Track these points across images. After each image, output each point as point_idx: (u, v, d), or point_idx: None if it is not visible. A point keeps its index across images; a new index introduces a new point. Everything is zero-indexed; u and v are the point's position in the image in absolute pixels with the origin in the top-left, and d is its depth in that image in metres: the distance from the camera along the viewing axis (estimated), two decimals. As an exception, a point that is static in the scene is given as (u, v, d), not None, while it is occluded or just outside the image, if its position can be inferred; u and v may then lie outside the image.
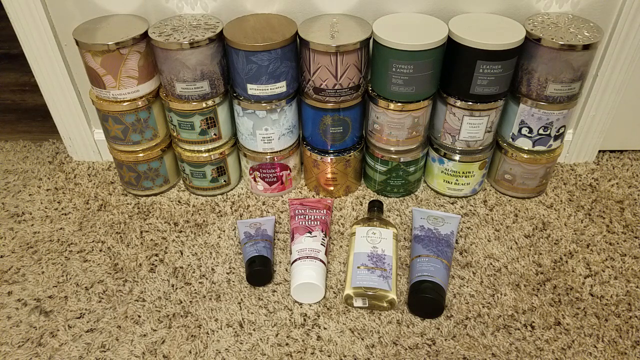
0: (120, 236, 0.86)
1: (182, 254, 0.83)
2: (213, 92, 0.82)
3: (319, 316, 0.73)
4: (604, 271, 0.79)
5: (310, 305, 0.75)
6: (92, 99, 0.84)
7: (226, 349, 0.69)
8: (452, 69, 0.80)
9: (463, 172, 0.89)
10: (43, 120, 1.15)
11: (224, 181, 0.93)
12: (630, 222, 0.88)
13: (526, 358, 0.68)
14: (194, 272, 0.80)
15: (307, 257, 0.76)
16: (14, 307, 0.75)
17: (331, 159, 0.87)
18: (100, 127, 0.97)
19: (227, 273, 0.80)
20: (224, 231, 0.87)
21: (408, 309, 0.73)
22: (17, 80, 1.29)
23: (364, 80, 0.81)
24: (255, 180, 0.92)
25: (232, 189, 0.95)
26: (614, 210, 0.90)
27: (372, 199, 0.92)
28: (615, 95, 0.91)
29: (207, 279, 0.79)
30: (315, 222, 0.82)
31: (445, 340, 0.70)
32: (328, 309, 0.74)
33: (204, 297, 0.76)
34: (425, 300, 0.71)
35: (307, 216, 0.83)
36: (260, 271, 0.76)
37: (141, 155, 0.89)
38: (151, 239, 0.86)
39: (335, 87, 0.79)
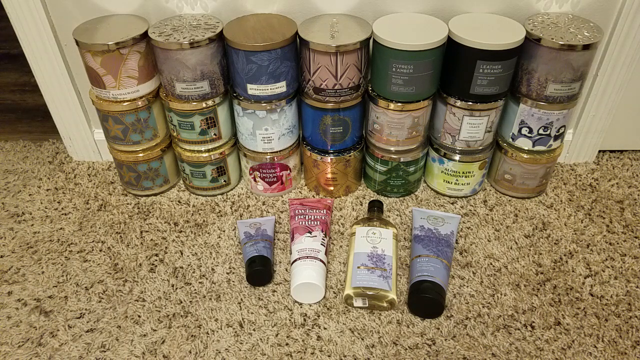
0: (120, 236, 0.86)
1: (182, 254, 0.83)
2: (213, 92, 0.82)
3: (319, 316, 0.73)
4: (604, 271, 0.79)
5: (310, 305, 0.75)
6: (92, 99, 0.84)
7: (226, 349, 0.69)
8: (452, 69, 0.80)
9: (463, 172, 0.89)
10: (43, 120, 1.15)
11: (224, 181, 0.93)
12: (630, 222, 0.88)
13: (526, 358, 0.68)
14: (194, 272, 0.80)
15: (307, 257, 0.76)
16: (14, 307, 0.75)
17: (331, 159, 0.87)
18: (100, 127, 0.97)
19: (227, 273, 0.80)
20: (224, 231, 0.87)
21: (408, 309, 0.73)
22: (17, 80, 1.29)
23: (364, 80, 0.81)
24: (255, 180, 0.92)
25: (232, 189, 0.95)
26: (614, 210, 0.90)
27: (372, 199, 0.92)
28: (615, 95, 0.91)
29: (207, 279, 0.79)
30: (315, 222, 0.82)
31: (445, 340, 0.70)
32: (328, 309, 0.74)
33: (204, 297, 0.76)
34: (425, 300, 0.71)
35: (307, 216, 0.83)
36: (260, 271, 0.76)
37: (141, 155, 0.89)
38: (151, 239, 0.86)
39: (335, 87, 0.79)
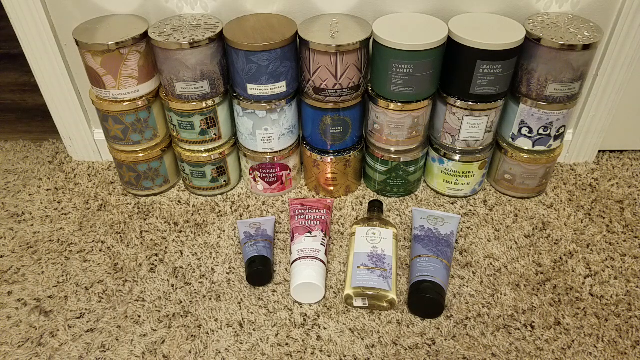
0: (120, 236, 0.86)
1: (182, 254, 0.83)
2: (213, 92, 0.82)
3: (319, 316, 0.73)
4: (604, 271, 0.79)
5: (310, 305, 0.75)
6: (92, 99, 0.84)
7: (226, 349, 0.69)
8: (452, 69, 0.80)
9: (463, 172, 0.89)
10: (43, 120, 1.15)
11: (224, 181, 0.93)
12: (630, 222, 0.88)
13: (526, 358, 0.68)
14: (194, 272, 0.80)
15: (307, 257, 0.76)
16: (14, 307, 0.75)
17: (331, 159, 0.87)
18: (100, 127, 0.97)
19: (227, 273, 0.80)
20: (224, 231, 0.87)
21: (408, 309, 0.73)
22: (17, 80, 1.29)
23: (364, 80, 0.81)
24: (255, 180, 0.92)
25: (232, 189, 0.95)
26: (614, 210, 0.90)
27: (372, 199, 0.92)
28: (615, 95, 0.91)
29: (207, 279, 0.79)
30: (315, 222, 0.82)
31: (445, 340, 0.70)
32: (328, 309, 0.74)
33: (204, 297, 0.76)
34: (425, 300, 0.71)
35: (307, 216, 0.83)
36: (260, 271, 0.76)
37: (141, 155, 0.89)
38: (151, 239, 0.86)
39: (335, 87, 0.79)
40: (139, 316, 0.74)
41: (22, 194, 0.96)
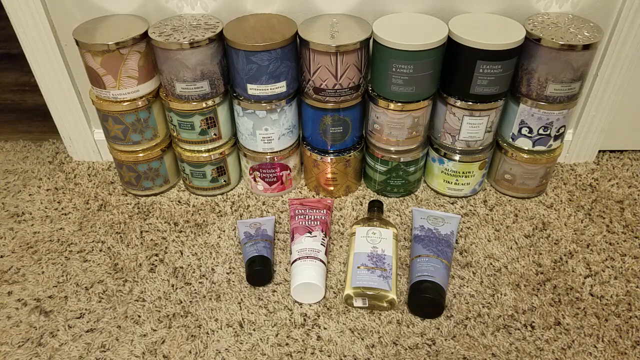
0: (120, 236, 0.86)
1: (182, 254, 0.83)
2: (213, 92, 0.82)
3: (319, 316, 0.73)
4: (604, 271, 0.79)
5: (310, 305, 0.75)
6: (92, 99, 0.84)
7: (226, 349, 0.69)
8: (452, 69, 0.80)
9: (463, 172, 0.89)
10: (43, 120, 1.15)
11: (224, 181, 0.93)
12: (630, 222, 0.88)
13: (526, 358, 0.68)
14: (194, 272, 0.80)
15: (307, 257, 0.76)
16: (14, 307, 0.75)
17: (331, 159, 0.87)
18: (100, 127, 0.97)
19: (227, 273, 0.80)
20: (224, 231, 0.87)
21: (408, 309, 0.73)
22: (17, 80, 1.29)
23: (364, 80, 0.81)
24: (255, 180, 0.92)
25: (232, 189, 0.95)
26: (614, 210, 0.90)
27: (372, 199, 0.92)
28: (615, 95, 0.91)
29: (207, 279, 0.79)
30: (315, 222, 0.82)
31: (445, 340, 0.70)
32: (328, 309, 0.74)
33: (204, 297, 0.76)
34: (425, 300, 0.71)
35: (307, 216, 0.83)
36: (260, 271, 0.76)
37: (141, 155, 0.89)
38: (151, 239, 0.86)
39: (335, 87, 0.79)
40: (139, 316, 0.74)
41: (22, 194, 0.96)
